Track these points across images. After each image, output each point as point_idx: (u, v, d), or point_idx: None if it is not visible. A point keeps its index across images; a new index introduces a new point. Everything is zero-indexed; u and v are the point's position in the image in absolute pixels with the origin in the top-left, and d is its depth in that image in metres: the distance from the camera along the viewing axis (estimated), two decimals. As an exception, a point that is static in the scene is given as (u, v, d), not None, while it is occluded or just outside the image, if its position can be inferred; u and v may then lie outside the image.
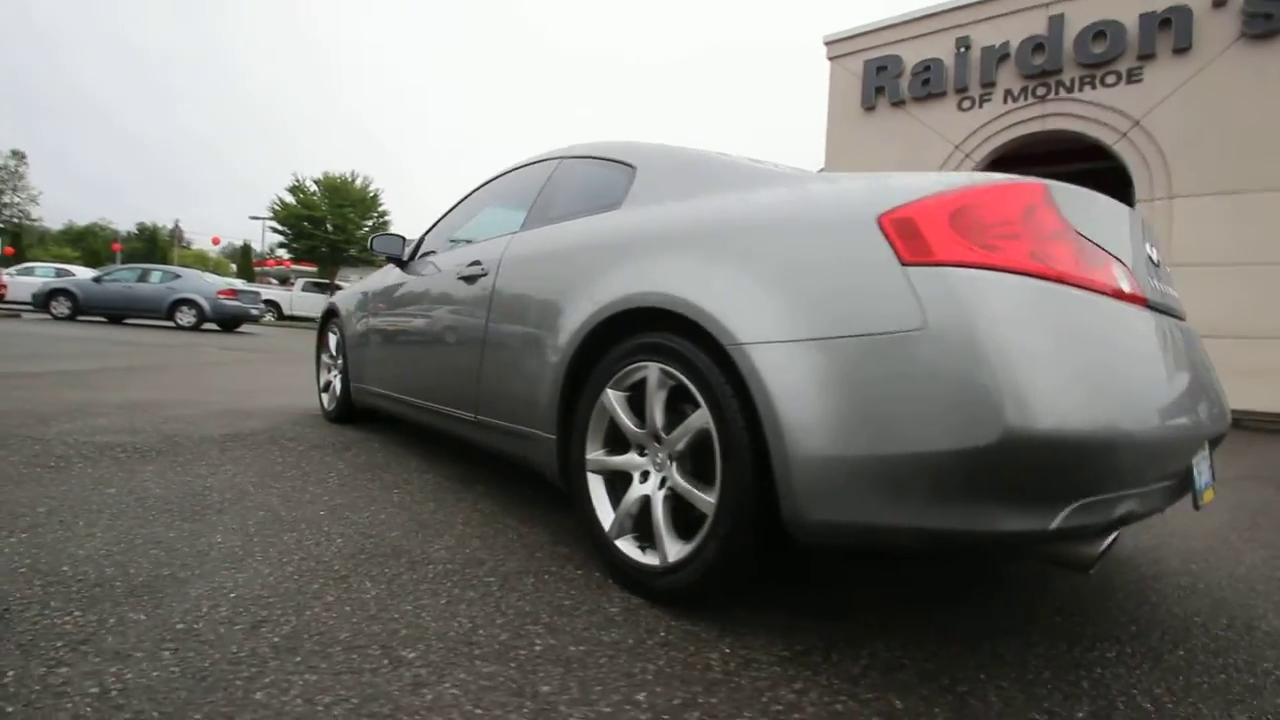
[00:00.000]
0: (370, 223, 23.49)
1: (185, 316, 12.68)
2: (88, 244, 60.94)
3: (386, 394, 2.85)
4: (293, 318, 20.98)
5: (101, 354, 6.54)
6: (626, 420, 1.54)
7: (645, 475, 1.53)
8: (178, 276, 13.14)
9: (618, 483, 1.62)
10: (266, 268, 34.09)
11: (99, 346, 7.44)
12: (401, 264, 2.97)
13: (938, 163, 7.39)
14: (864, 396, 1.12)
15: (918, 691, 1.15)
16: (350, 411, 3.38)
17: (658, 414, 1.47)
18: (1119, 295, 1.20)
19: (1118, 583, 1.78)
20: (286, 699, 1.01)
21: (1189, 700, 1.18)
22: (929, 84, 7.42)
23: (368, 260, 23.40)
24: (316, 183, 22.92)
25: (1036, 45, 6.74)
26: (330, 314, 3.68)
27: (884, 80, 7.75)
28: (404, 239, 2.98)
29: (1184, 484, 1.32)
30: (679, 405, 1.46)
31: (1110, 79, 6.40)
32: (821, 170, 6.48)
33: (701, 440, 1.38)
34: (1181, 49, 5.96)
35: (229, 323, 13.23)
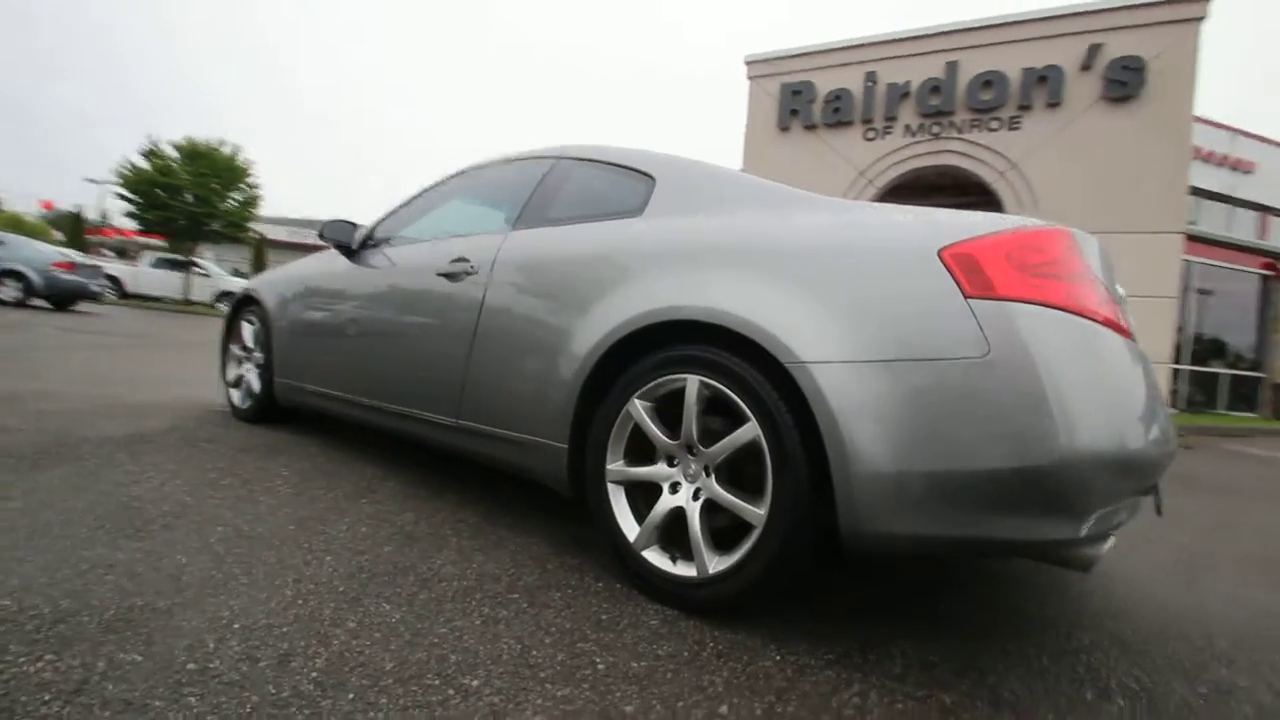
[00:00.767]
0: (239, 196, 21.29)
1: (7, 290, 10.85)
2: None
3: (331, 394, 2.62)
4: (139, 296, 18.62)
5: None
6: (657, 431, 1.53)
7: (675, 486, 1.53)
8: (1, 244, 11.21)
9: (636, 493, 1.61)
10: (104, 238, 29.98)
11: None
12: (349, 253, 2.74)
13: (844, 186, 7.96)
14: (927, 417, 1.19)
15: (958, 687, 1.24)
16: (269, 410, 3.07)
17: (695, 426, 1.47)
18: (1118, 329, 1.36)
19: (1054, 576, 2.01)
20: (365, 742, 0.91)
21: (1147, 674, 1.37)
22: (839, 112, 7.96)
23: (232, 237, 21.22)
24: (178, 148, 20.44)
25: (934, 87, 7.45)
26: (246, 302, 3.32)
27: (798, 104, 8.21)
28: (354, 226, 2.75)
29: (1149, 492, 1.52)
30: (716, 417, 1.47)
31: (994, 124, 7.22)
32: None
33: (745, 453, 1.40)
34: (1054, 103, 6.86)
35: (63, 300, 11.46)
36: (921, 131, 7.66)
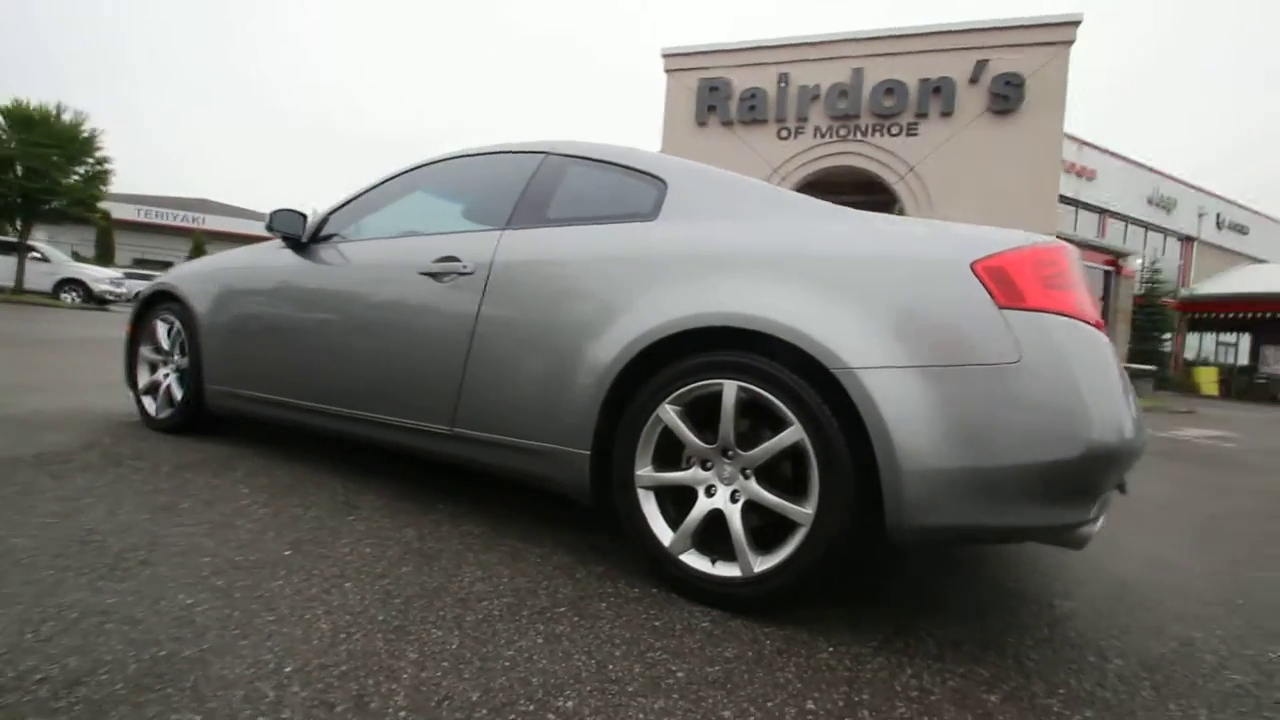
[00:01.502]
0: (83, 170, 18.70)
1: None
2: None
3: (285, 402, 2.40)
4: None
5: None
6: (692, 435, 1.55)
7: (710, 490, 1.56)
8: None
9: (664, 498, 1.63)
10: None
11: None
12: (298, 247, 2.52)
13: (760, 181, 8.28)
14: (967, 417, 1.30)
15: (989, 661, 1.37)
16: (194, 420, 2.78)
17: (732, 429, 1.51)
18: (1102, 329, 1.54)
19: (1022, 553, 2.24)
20: (496, 781, 0.88)
21: (1125, 636, 1.58)
22: (755, 110, 8.25)
23: (78, 217, 18.71)
24: (3, 113, 17.61)
25: (841, 92, 7.90)
26: (160, 298, 2.96)
27: (716, 100, 8.42)
28: (304, 217, 2.52)
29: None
30: (744, 420, 1.52)
31: (894, 129, 7.79)
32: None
33: (786, 455, 1.46)
34: (947, 113, 7.51)
35: None
36: (830, 133, 8.13)
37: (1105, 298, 12.89)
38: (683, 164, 1.90)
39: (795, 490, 1.47)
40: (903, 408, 1.32)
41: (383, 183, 2.53)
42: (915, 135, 7.71)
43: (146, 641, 1.14)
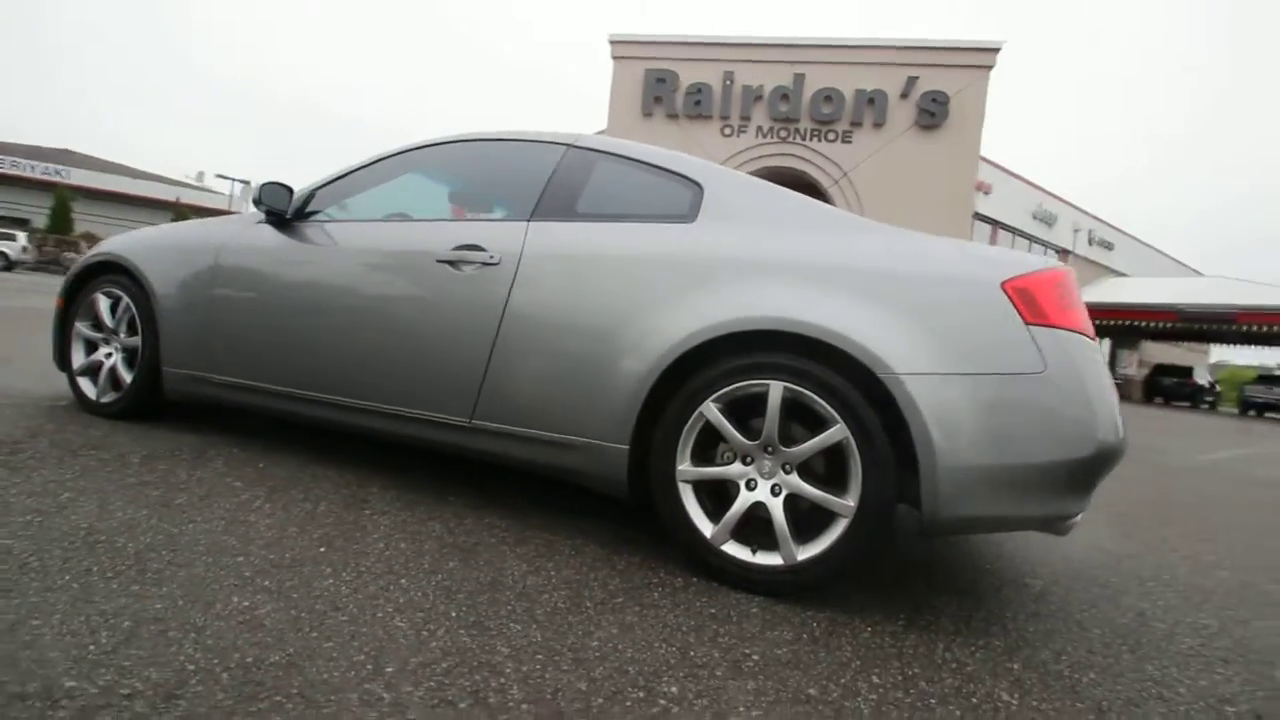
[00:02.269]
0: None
1: None
2: None
3: (271, 390, 2.26)
4: None
5: None
6: (735, 432, 1.63)
7: (750, 484, 1.65)
8: None
9: (701, 491, 1.70)
10: None
11: None
12: (281, 222, 2.37)
13: (702, 176, 8.47)
14: (997, 421, 1.46)
15: (999, 634, 1.55)
16: (148, 404, 2.56)
17: (776, 427, 1.60)
18: (1096, 340, 1.75)
19: (989, 538, 2.48)
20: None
21: (1093, 609, 1.82)
22: (700, 105, 8.41)
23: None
24: None
25: (783, 95, 8.21)
26: (101, 269, 2.68)
27: (662, 92, 8.49)
28: (290, 191, 2.37)
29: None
30: (791, 419, 1.62)
31: (830, 135, 8.19)
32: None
33: (824, 451, 1.57)
34: (879, 124, 7.98)
35: None
36: (772, 134, 8.44)
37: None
38: (716, 168, 1.96)
39: (831, 484, 1.59)
40: (941, 411, 1.46)
41: (375, 162, 2.41)
42: (850, 143, 8.17)
43: (223, 648, 1.09)
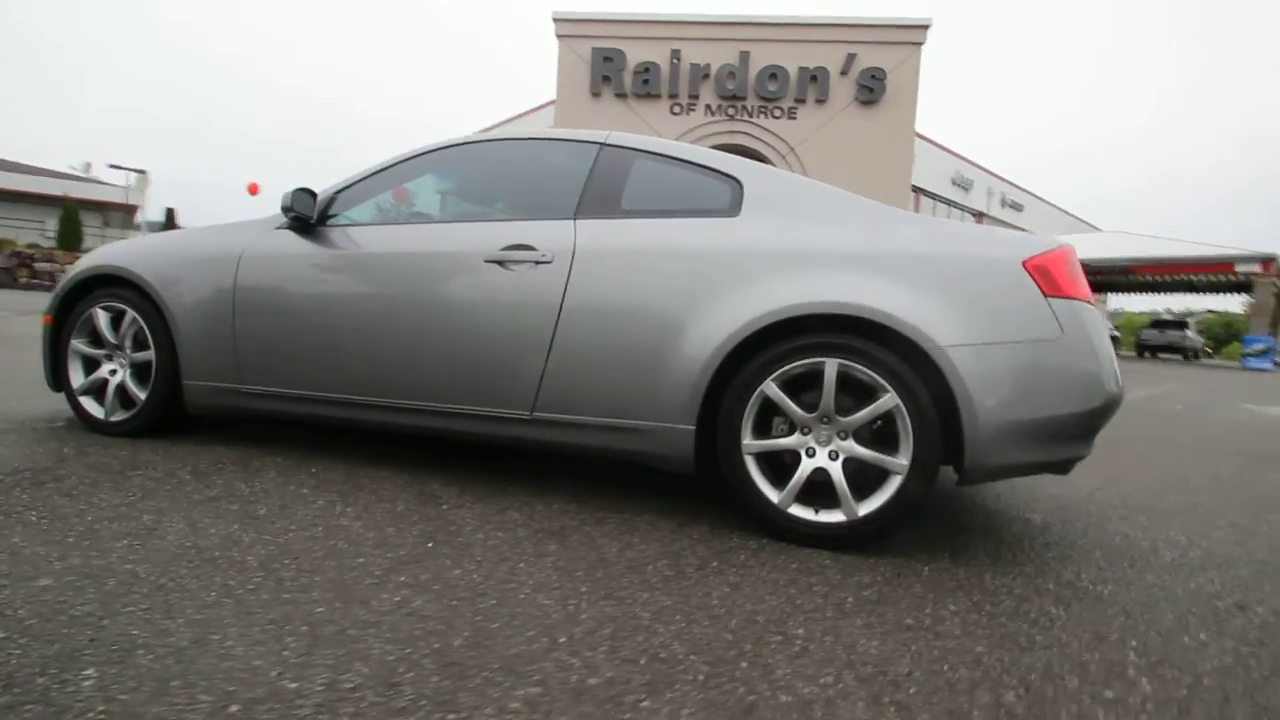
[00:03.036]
0: None
1: None
2: None
3: (317, 397, 2.27)
4: None
5: None
6: (795, 406, 1.81)
7: (809, 451, 1.84)
8: None
9: (762, 461, 1.88)
10: None
11: None
12: (305, 228, 2.36)
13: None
14: (1024, 381, 1.70)
15: (1028, 563, 1.81)
16: (162, 419, 2.51)
17: (833, 400, 1.79)
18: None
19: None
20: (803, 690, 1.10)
21: (1088, 535, 2.13)
22: (649, 84, 8.45)
23: None
24: None
25: (730, 72, 8.36)
26: (99, 283, 2.58)
27: (610, 71, 8.48)
28: (314, 196, 2.35)
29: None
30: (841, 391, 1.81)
31: (777, 112, 8.43)
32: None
33: (879, 418, 1.77)
34: (821, 100, 8.27)
35: None
36: (720, 112, 8.61)
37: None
38: (752, 164, 2.11)
39: (880, 446, 1.80)
40: (980, 376, 1.68)
41: (395, 164, 2.43)
42: (795, 119, 8.44)
43: (406, 638, 1.18)
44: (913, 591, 1.55)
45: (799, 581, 1.56)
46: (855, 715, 1.05)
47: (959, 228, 1.92)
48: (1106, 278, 23.70)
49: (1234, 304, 30.49)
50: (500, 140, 2.39)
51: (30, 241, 19.78)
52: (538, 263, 2.03)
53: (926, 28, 9.46)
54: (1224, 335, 34.08)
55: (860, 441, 1.80)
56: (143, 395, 2.48)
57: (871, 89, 8.47)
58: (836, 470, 1.80)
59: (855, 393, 1.80)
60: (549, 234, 2.07)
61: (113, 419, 2.52)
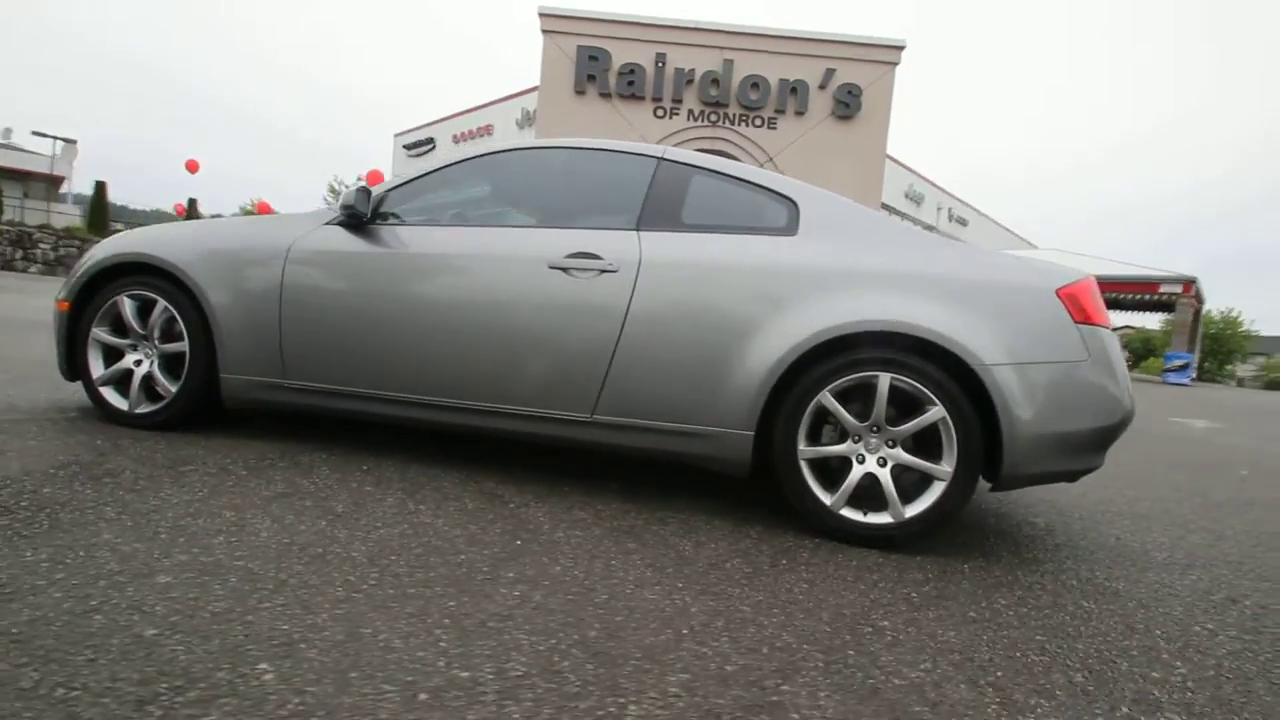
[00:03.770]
0: None
1: None
2: None
3: (361, 393, 2.29)
4: None
5: None
6: (849, 416, 1.96)
7: (860, 458, 1.99)
8: None
9: (815, 467, 2.02)
10: None
11: None
12: (358, 225, 2.37)
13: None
14: (1056, 397, 1.90)
15: (1049, 562, 2.01)
16: (195, 412, 2.48)
17: (884, 411, 1.95)
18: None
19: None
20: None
21: (1085, 537, 2.36)
22: (633, 85, 8.53)
23: None
24: None
25: (713, 79, 8.53)
26: (125, 270, 2.51)
27: (595, 70, 8.51)
28: (369, 194, 2.36)
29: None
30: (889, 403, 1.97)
31: (757, 121, 8.65)
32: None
33: (926, 428, 1.94)
34: (800, 112, 8.53)
35: None
36: (702, 118, 8.77)
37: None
38: (805, 186, 2.25)
39: (924, 454, 1.97)
40: (1019, 392, 1.87)
41: (450, 165, 2.46)
42: (775, 129, 8.69)
43: (545, 630, 1.27)
44: (963, 588, 1.72)
45: (864, 578, 1.71)
46: (961, 695, 1.19)
47: (996, 255, 2.11)
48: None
49: (1152, 321, 32.89)
50: (555, 147, 2.45)
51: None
52: (603, 271, 2.12)
53: (901, 49, 9.94)
54: (1142, 351, 36.75)
55: (906, 450, 1.97)
56: (172, 388, 2.44)
57: (848, 104, 8.82)
58: (885, 476, 1.96)
59: (901, 404, 1.96)
60: (613, 244, 2.15)
61: (137, 411, 2.47)
